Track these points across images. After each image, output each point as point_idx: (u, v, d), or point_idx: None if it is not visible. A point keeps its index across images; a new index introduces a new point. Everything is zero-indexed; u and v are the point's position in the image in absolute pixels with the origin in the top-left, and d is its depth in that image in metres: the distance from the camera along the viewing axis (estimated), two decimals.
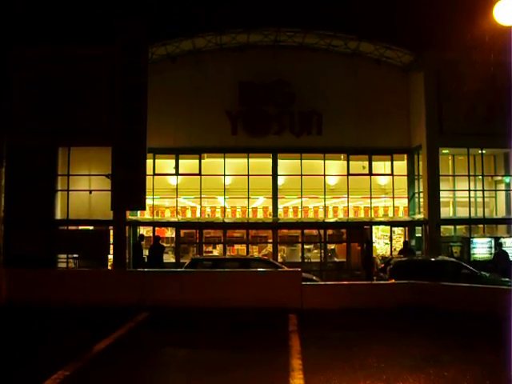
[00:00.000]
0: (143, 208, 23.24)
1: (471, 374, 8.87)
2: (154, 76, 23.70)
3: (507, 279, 18.14)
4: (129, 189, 21.75)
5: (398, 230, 27.84)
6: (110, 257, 24.07)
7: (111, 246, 23.85)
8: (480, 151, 26.73)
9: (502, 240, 24.28)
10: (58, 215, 25.33)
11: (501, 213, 27.45)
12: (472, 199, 26.99)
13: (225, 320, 13.69)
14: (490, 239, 24.85)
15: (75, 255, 24.74)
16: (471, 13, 18.59)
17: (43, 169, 24.46)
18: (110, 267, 23.81)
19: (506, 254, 22.70)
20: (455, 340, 11.45)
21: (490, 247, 24.46)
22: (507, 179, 27.21)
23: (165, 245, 24.78)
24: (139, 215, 26.74)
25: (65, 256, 24.73)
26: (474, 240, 25.19)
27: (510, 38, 13.31)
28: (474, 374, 8.85)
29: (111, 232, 23.96)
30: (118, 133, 21.92)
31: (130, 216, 25.53)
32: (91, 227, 25.57)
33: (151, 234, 25.89)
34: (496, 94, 23.10)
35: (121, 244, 23.60)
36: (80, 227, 25.52)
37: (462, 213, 27.18)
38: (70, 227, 25.36)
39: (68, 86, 24.58)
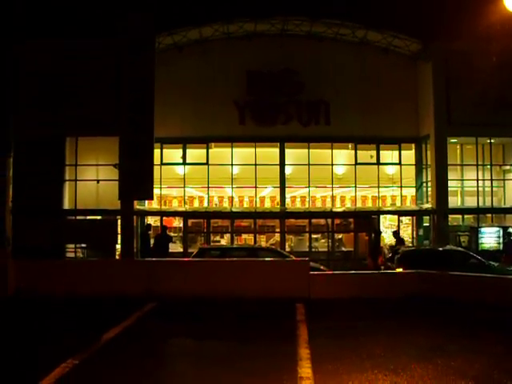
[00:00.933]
0: (151, 197, 23.28)
1: (479, 363, 8.86)
2: (160, 65, 23.65)
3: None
4: (136, 178, 21.76)
5: (405, 220, 27.81)
6: (118, 246, 24.09)
7: (119, 236, 23.89)
8: (488, 140, 26.65)
9: (511, 229, 24.22)
10: (66, 205, 25.41)
11: (509, 202, 27.33)
12: (480, 188, 26.93)
13: (232, 310, 13.71)
14: (498, 229, 24.79)
15: (83, 245, 24.87)
16: (480, 1, 18.48)
17: (51, 159, 24.50)
18: (117, 257, 23.85)
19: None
20: (462, 330, 11.43)
21: (498, 237, 24.40)
22: None
23: (172, 234, 24.85)
24: (147, 205, 26.78)
25: (73, 246, 24.84)
26: (482, 229, 25.14)
27: None
28: (482, 364, 8.83)
29: (119, 222, 23.99)
30: (125, 122, 21.91)
31: (137, 206, 25.54)
32: (99, 217, 25.65)
33: (159, 224, 25.95)
34: (505, 83, 23.02)
35: (128, 234, 23.61)
36: (88, 217, 25.59)
37: (470, 202, 27.12)
38: (78, 217, 25.47)
39: (75, 76, 24.57)
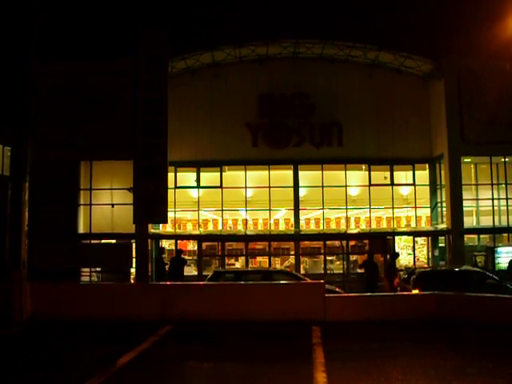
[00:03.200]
0: (165, 221, 23.36)
1: None
2: (174, 89, 23.86)
3: None
4: (151, 202, 21.88)
5: (420, 240, 27.63)
6: (133, 270, 24.15)
7: (133, 260, 23.91)
8: (503, 159, 26.49)
9: None
10: (81, 229, 25.53)
11: None
12: (496, 208, 26.73)
13: (248, 333, 13.65)
14: None
15: (98, 269, 24.89)
16: (491, 21, 18.53)
17: (66, 182, 24.70)
18: (132, 280, 23.89)
19: None
20: (481, 352, 11.30)
21: None
22: None
23: (187, 257, 24.81)
24: (161, 228, 26.84)
25: (88, 270, 24.85)
26: (499, 249, 24.92)
27: None
28: None
29: (133, 245, 24.04)
30: (139, 146, 22.10)
31: (152, 229, 25.61)
32: (114, 241, 25.68)
33: (173, 247, 25.97)
34: None
35: (143, 257, 23.69)
36: (102, 241, 25.64)
37: (486, 222, 26.92)
38: (93, 241, 25.50)
39: (90, 100, 24.86)
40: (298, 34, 25.94)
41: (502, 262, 24.17)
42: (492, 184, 26.58)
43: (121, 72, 24.43)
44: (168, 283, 18.82)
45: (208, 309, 15.02)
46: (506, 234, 27.12)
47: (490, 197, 26.61)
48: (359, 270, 24.13)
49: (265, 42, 26.12)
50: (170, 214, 25.35)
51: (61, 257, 22.49)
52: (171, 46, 23.02)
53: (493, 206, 26.64)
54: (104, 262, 23.81)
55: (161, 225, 26.34)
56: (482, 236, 26.90)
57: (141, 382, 9.46)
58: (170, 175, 24.42)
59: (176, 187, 26.72)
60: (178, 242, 26.34)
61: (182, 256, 23.31)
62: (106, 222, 25.60)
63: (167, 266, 22.90)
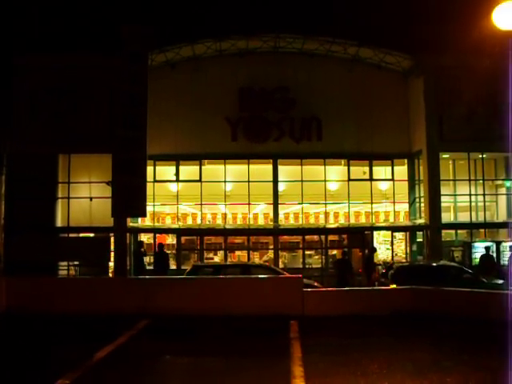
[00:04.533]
0: (144, 215, 23.11)
1: (474, 379, 8.83)
2: (153, 82, 23.62)
3: (506, 283, 18.08)
4: (129, 196, 21.64)
5: (399, 235, 27.78)
6: (111, 264, 24.01)
7: (112, 253, 23.77)
8: (480, 155, 26.71)
9: (503, 244, 24.31)
10: (59, 222, 25.37)
11: (502, 217, 27.41)
12: (473, 203, 26.97)
13: (225, 327, 13.64)
14: (491, 243, 24.75)
15: (76, 262, 24.71)
16: (471, 18, 18.60)
17: (44, 176, 24.51)
18: (110, 274, 23.76)
19: (489, 258, 22.77)
20: (457, 345, 11.40)
21: (492, 251, 24.37)
22: (508, 183, 27.18)
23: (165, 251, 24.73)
24: (140, 222, 26.71)
25: (65, 263, 24.67)
26: (476, 244, 25.15)
27: (509, 42, 13.31)
28: (477, 380, 8.81)
29: (112, 239, 23.89)
30: (118, 140, 21.83)
31: (130, 223, 25.46)
32: (92, 234, 25.52)
33: (152, 241, 25.87)
34: (496, 98, 23.12)
35: (122, 251, 23.49)
36: (81, 234, 25.48)
37: (463, 217, 27.16)
38: (71, 234, 25.32)
39: (68, 93, 24.72)
40: (278, 29, 25.84)
41: (479, 257, 24.37)
42: (469, 180, 26.80)
43: (99, 65, 24.20)
44: (146, 277, 18.77)
45: (187, 303, 15.00)
46: (482, 230, 27.37)
47: (468, 193, 26.84)
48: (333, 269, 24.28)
49: (245, 36, 26.03)
50: (149, 208, 25.23)
51: (38, 250, 22.23)
52: (151, 39, 22.81)
53: (470, 201, 26.87)
54: (82, 256, 23.56)
55: (139, 218, 26.17)
56: (459, 231, 27.10)
57: (118, 376, 9.40)
58: (149, 169, 24.18)
59: (155, 181, 26.61)
60: (157, 235, 26.24)
61: (164, 250, 23.26)
62: (85, 216, 25.47)
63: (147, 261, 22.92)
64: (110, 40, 22.43)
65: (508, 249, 22.84)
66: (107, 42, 22.80)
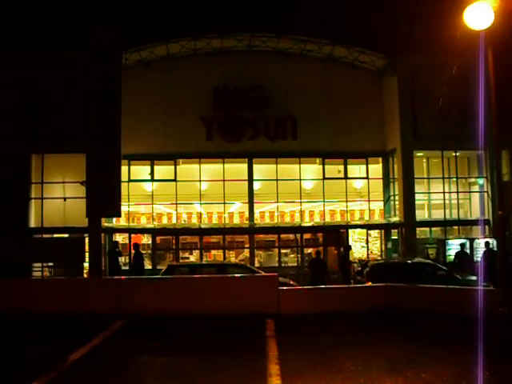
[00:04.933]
0: (119, 215, 23.02)
1: (448, 374, 8.92)
2: (128, 81, 23.53)
3: (479, 279, 18.29)
4: (104, 195, 21.52)
5: (374, 233, 27.94)
6: (86, 264, 23.83)
7: (87, 254, 23.59)
8: (454, 153, 26.97)
9: (477, 241, 24.59)
10: (33, 223, 25.12)
11: (475, 214, 27.67)
12: (447, 201, 27.22)
13: (202, 326, 13.61)
14: (465, 240, 25.00)
15: (50, 264, 24.49)
16: (444, 18, 18.76)
17: (16, 176, 24.30)
18: (85, 275, 23.58)
19: (464, 255, 23.09)
20: (432, 341, 11.50)
21: (466, 248, 24.63)
22: (481, 181, 27.45)
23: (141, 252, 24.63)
24: (115, 222, 26.52)
25: (39, 264, 24.42)
26: (450, 241, 25.37)
27: (479, 42, 13.45)
28: (451, 375, 8.90)
29: (86, 240, 23.70)
30: (92, 139, 21.69)
31: (105, 223, 25.30)
32: (66, 235, 25.28)
33: (127, 241, 25.73)
34: (468, 97, 23.33)
35: (96, 251, 23.35)
36: (55, 235, 25.22)
37: (437, 215, 27.40)
38: (45, 235, 25.06)
39: (41, 92, 24.44)
40: (252, 28, 25.82)
41: (453, 254, 24.61)
42: (443, 178, 27.06)
43: (73, 63, 23.97)
44: (122, 277, 18.66)
45: (163, 303, 14.95)
46: (456, 227, 27.64)
47: (442, 190, 27.09)
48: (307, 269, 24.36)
49: (220, 35, 25.95)
50: (124, 208, 25.10)
51: (12, 252, 22.03)
52: (125, 37, 22.68)
53: (444, 199, 27.12)
54: (56, 257, 23.37)
55: (114, 218, 26.00)
56: (433, 229, 27.35)
57: (92, 378, 9.32)
58: (124, 168, 24.09)
59: (130, 180, 26.43)
60: (132, 235, 26.08)
61: (140, 250, 23.17)
62: (59, 216, 25.22)
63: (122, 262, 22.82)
64: (83, 39, 22.22)
65: (482, 245, 23.07)
66: (81, 41, 22.60)
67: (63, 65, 24.19)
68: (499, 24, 13.35)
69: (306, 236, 26.76)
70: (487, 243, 22.32)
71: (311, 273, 21.58)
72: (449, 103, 24.75)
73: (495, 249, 22.59)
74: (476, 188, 28.07)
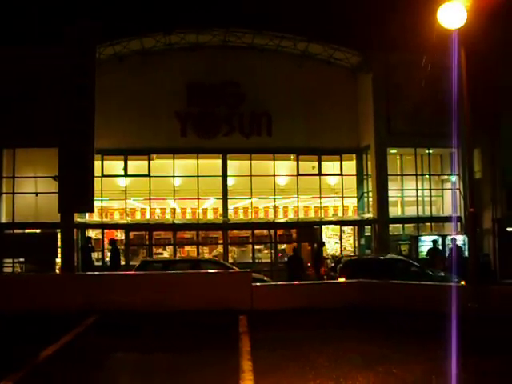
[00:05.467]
0: (91, 210, 22.85)
1: (419, 370, 9.00)
2: (101, 76, 23.31)
3: (451, 275, 18.50)
4: (76, 190, 21.34)
5: (347, 229, 28.09)
6: (58, 260, 23.61)
7: (59, 250, 23.38)
8: (427, 151, 27.22)
9: (449, 237, 24.86)
10: (3, 218, 24.86)
11: (447, 211, 27.93)
12: (420, 198, 27.50)
13: (175, 322, 13.57)
14: (437, 237, 25.26)
15: (21, 259, 24.24)
16: (419, 16, 18.90)
17: None
18: (57, 271, 23.37)
19: (436, 252, 23.37)
20: (404, 337, 11.61)
21: (438, 245, 24.88)
22: (453, 178, 27.71)
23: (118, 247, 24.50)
24: (87, 217, 26.30)
25: (10, 260, 24.17)
26: (422, 238, 25.63)
27: (453, 40, 13.58)
28: (422, 370, 8.98)
29: (59, 235, 23.50)
30: (65, 133, 21.48)
31: (78, 218, 25.09)
32: (38, 230, 25.05)
33: (100, 237, 25.55)
34: (442, 95, 23.53)
35: (69, 247, 23.15)
36: (26, 230, 24.97)
37: (410, 211, 27.67)
38: (16, 231, 24.82)
39: (13, 85, 24.07)
40: (228, 23, 25.77)
41: (425, 250, 24.85)
42: (416, 175, 27.32)
43: (46, 57, 23.63)
44: (95, 273, 18.55)
45: (136, 299, 14.85)
46: (429, 224, 27.91)
47: (415, 187, 27.35)
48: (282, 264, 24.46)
49: (195, 30, 25.81)
50: (97, 203, 24.81)
51: None
52: (99, 31, 22.45)
53: (417, 196, 27.39)
54: (28, 253, 23.20)
55: (87, 214, 25.80)
56: (406, 225, 27.57)
57: (64, 375, 9.23)
58: (97, 163, 23.87)
59: (103, 176, 26.17)
60: (105, 231, 25.91)
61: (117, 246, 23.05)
62: (30, 212, 24.94)
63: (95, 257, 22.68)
64: (57, 32, 21.97)
65: (450, 242, 23.35)
66: (54, 35, 22.35)
67: (36, 59, 23.80)
68: (472, 23, 13.49)
69: (280, 232, 26.80)
70: (454, 240, 22.63)
71: (288, 270, 21.64)
72: (423, 101, 24.91)
73: (461, 245, 23.07)
74: (448, 185, 28.35)
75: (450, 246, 22.77)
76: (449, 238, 24.99)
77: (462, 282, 16.38)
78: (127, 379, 9.47)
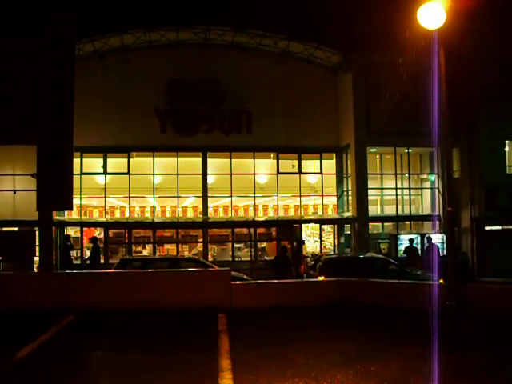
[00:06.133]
0: (70, 208, 22.71)
1: (397, 367, 9.03)
2: (81, 73, 23.18)
3: (429, 273, 18.64)
4: (55, 188, 21.21)
5: (327, 228, 28.19)
6: (36, 259, 23.43)
7: (37, 248, 23.19)
8: (406, 150, 27.36)
9: (428, 235, 25.04)
10: None
11: (426, 210, 28.16)
12: (399, 197, 27.66)
13: (154, 321, 13.50)
14: (416, 236, 25.42)
15: None
16: (398, 16, 18.98)
17: None
18: (35, 269, 23.17)
19: (413, 250, 23.55)
20: (383, 335, 11.64)
21: (416, 244, 25.04)
22: (432, 177, 27.92)
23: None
24: (66, 215, 26.12)
25: None
26: (401, 236, 25.77)
27: (432, 40, 13.65)
28: (400, 367, 9.01)
29: (37, 233, 23.30)
30: (43, 130, 21.33)
31: (56, 216, 24.91)
32: (16, 228, 24.84)
33: (79, 235, 25.39)
34: (421, 94, 23.69)
35: (47, 245, 23.02)
36: (4, 228, 24.74)
37: (390, 210, 27.83)
38: None
39: None
40: (208, 21, 25.74)
41: (404, 249, 25.01)
42: (396, 174, 27.45)
43: (23, 52, 23.44)
44: (74, 271, 18.40)
45: (115, 297, 14.74)
46: (408, 222, 28.11)
47: (394, 186, 27.48)
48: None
49: (175, 28, 25.77)
50: (76, 201, 24.65)
51: None
52: (79, 27, 22.29)
53: (396, 195, 27.54)
54: (5, 251, 22.99)
55: (66, 212, 25.61)
56: (385, 224, 27.75)
57: (40, 375, 9.13)
58: (76, 161, 23.72)
59: (82, 173, 26.03)
60: (84, 229, 25.76)
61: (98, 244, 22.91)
62: (8, 209, 24.72)
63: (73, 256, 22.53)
64: (35, 26, 21.76)
65: (425, 240, 23.53)
66: (32, 28, 22.14)
67: (13, 54, 23.60)
68: (451, 24, 13.57)
69: (260, 230, 26.82)
70: (429, 238, 22.80)
71: (276, 270, 21.39)
72: (403, 101, 25.05)
73: (440, 244, 23.30)
74: (427, 184, 28.58)
75: (427, 244, 22.93)
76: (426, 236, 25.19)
77: (441, 281, 16.47)
78: (104, 379, 9.39)
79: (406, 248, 24.01)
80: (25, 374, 9.13)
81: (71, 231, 25.93)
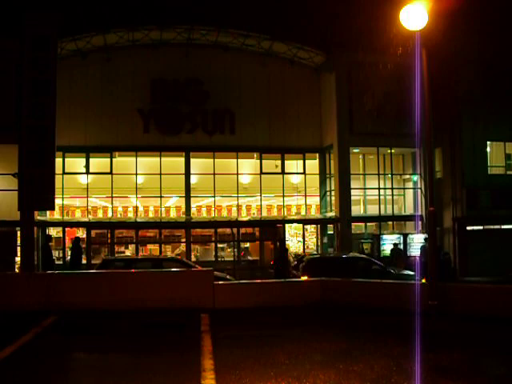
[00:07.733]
0: (52, 208, 22.51)
1: (379, 366, 9.04)
2: (63, 72, 23.06)
3: (412, 273, 18.75)
4: (37, 188, 21.01)
5: (310, 228, 28.24)
6: (18, 259, 23.22)
7: (18, 248, 22.99)
8: (389, 150, 27.51)
9: (410, 236, 25.18)
10: None
11: (409, 210, 28.32)
12: (382, 197, 27.77)
13: (136, 321, 13.44)
14: (398, 235, 25.55)
15: None
16: (381, 16, 19.06)
17: None
18: (17, 270, 22.97)
19: (398, 252, 23.74)
20: (365, 335, 11.67)
21: (399, 244, 25.17)
22: (415, 177, 28.08)
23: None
24: (48, 215, 25.95)
25: None
26: (384, 236, 25.89)
27: (415, 41, 13.71)
28: (382, 367, 9.02)
29: (18, 233, 23.11)
30: (25, 129, 21.12)
31: (38, 216, 24.74)
32: None
33: (61, 235, 25.22)
34: (403, 95, 23.82)
35: (29, 246, 22.76)
36: None
37: (373, 210, 27.94)
38: None
39: None
40: (192, 20, 25.71)
41: (387, 248, 25.15)
42: (378, 174, 27.58)
43: (4, 50, 23.26)
44: (55, 272, 18.28)
45: (97, 298, 14.70)
46: (390, 222, 28.24)
47: (377, 186, 27.59)
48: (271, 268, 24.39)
49: (159, 27, 25.72)
50: (58, 201, 24.46)
51: None
52: (61, 26, 22.13)
53: (379, 195, 27.66)
54: None
55: (48, 212, 25.44)
56: (368, 224, 27.86)
57: (20, 377, 9.04)
58: (58, 160, 23.53)
59: (64, 173, 25.90)
60: (67, 229, 25.60)
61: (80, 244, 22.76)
62: None
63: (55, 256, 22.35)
64: (16, 25, 21.59)
65: (415, 240, 23.68)
66: (14, 27, 21.96)
67: None
68: (434, 25, 13.64)
69: (243, 230, 26.81)
70: (426, 239, 22.88)
71: (276, 270, 21.24)
72: (385, 101, 25.16)
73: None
74: (410, 184, 28.74)
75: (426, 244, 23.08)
76: (410, 236, 25.32)
77: (423, 280, 16.56)
78: (85, 381, 9.33)
79: (391, 250, 24.26)
80: (3, 377, 9.04)
81: (53, 231, 25.75)
